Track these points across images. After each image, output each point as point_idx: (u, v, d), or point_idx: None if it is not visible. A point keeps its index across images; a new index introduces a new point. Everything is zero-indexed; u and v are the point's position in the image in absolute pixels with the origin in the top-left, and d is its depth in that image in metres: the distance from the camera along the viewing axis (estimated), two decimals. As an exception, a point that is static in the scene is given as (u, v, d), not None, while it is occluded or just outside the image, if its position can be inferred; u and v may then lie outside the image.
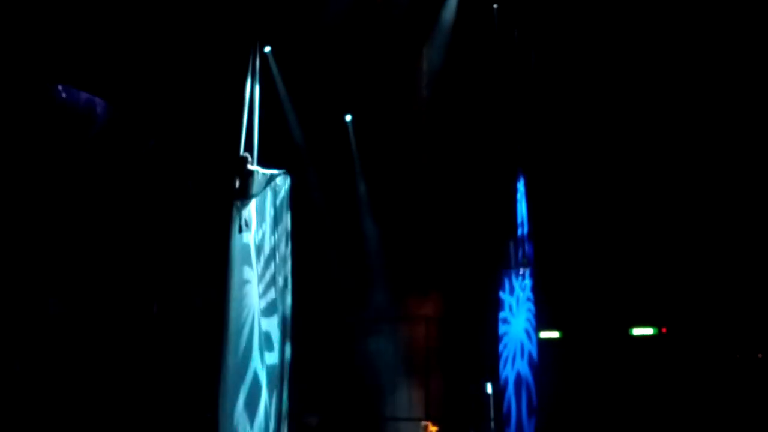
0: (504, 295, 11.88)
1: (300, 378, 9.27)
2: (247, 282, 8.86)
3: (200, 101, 11.98)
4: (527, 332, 11.73)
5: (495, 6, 12.67)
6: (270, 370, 8.79)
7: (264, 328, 8.85)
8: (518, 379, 11.68)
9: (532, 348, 11.65)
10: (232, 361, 8.46)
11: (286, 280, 9.10)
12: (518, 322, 11.79)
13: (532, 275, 11.72)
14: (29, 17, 10.46)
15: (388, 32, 13.17)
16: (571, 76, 12.85)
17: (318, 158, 13.41)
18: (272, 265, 9.05)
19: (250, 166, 9.02)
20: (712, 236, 12.32)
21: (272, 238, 9.14)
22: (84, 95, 11.10)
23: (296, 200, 9.31)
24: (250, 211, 9.09)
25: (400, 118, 13.44)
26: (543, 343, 12.08)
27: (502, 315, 11.81)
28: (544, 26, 12.76)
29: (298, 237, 9.22)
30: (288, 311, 9.11)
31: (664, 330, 12.79)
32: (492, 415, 11.71)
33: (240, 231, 8.92)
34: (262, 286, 8.92)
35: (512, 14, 12.57)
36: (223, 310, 8.66)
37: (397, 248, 13.26)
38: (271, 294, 9.01)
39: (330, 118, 13.48)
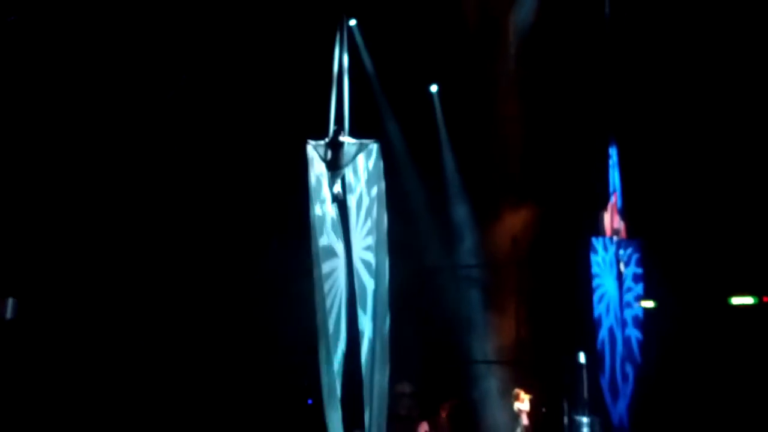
0: (595, 262, 11.67)
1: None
2: (334, 251, 9.34)
3: (289, 75, 12.17)
4: (625, 301, 11.53)
5: None
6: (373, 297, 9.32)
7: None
8: (613, 348, 11.49)
9: (629, 318, 11.43)
10: (323, 320, 9.39)
11: (380, 241, 9.33)
12: (613, 290, 11.59)
13: (627, 244, 11.47)
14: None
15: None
16: (669, 37, 12.37)
17: (404, 127, 13.51)
18: (367, 225, 9.37)
19: (340, 138, 9.16)
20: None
21: (367, 201, 9.40)
22: None
23: (385, 164, 9.53)
24: (341, 180, 9.29)
25: (488, 84, 13.35)
26: (637, 313, 11.84)
27: (594, 282, 11.62)
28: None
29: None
30: (386, 276, 9.29)
31: (765, 299, 12.36)
32: (585, 385, 11.55)
33: (333, 201, 9.18)
34: (357, 246, 9.39)
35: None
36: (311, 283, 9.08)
37: (485, 195, 13.45)
38: (368, 253, 9.40)
39: (415, 87, 13.51)
